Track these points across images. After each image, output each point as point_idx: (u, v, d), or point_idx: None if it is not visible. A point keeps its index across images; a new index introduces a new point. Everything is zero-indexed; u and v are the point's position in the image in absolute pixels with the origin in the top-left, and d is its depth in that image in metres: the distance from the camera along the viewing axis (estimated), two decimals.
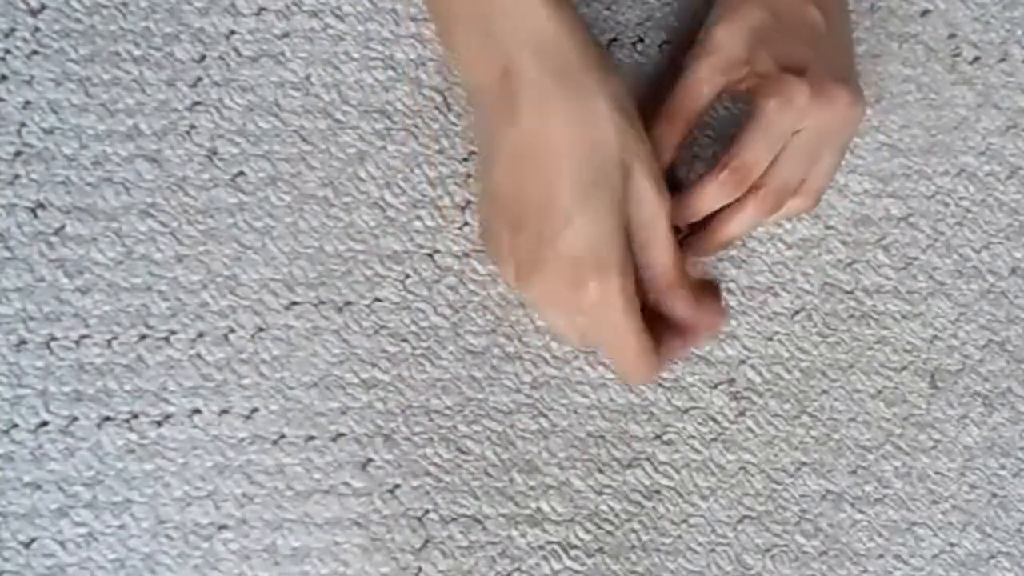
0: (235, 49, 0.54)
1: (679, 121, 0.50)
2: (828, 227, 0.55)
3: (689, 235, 0.51)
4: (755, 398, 0.54)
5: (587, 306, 0.45)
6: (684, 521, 0.53)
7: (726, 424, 0.54)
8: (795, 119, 0.47)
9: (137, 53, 0.53)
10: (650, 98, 0.52)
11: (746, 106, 0.52)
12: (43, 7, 0.53)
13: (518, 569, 0.52)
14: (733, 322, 0.54)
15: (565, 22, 0.45)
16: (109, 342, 0.52)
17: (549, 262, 0.45)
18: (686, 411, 0.54)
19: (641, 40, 0.55)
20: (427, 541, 0.52)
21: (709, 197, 0.49)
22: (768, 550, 0.53)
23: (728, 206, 0.49)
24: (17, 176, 0.52)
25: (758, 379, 0.54)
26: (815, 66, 0.48)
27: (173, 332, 0.52)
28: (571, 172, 0.44)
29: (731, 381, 0.54)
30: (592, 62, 0.45)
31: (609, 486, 0.53)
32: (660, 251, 0.47)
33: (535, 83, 0.44)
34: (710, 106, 0.50)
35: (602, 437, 0.53)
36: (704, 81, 0.49)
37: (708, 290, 0.51)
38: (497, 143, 0.46)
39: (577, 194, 0.44)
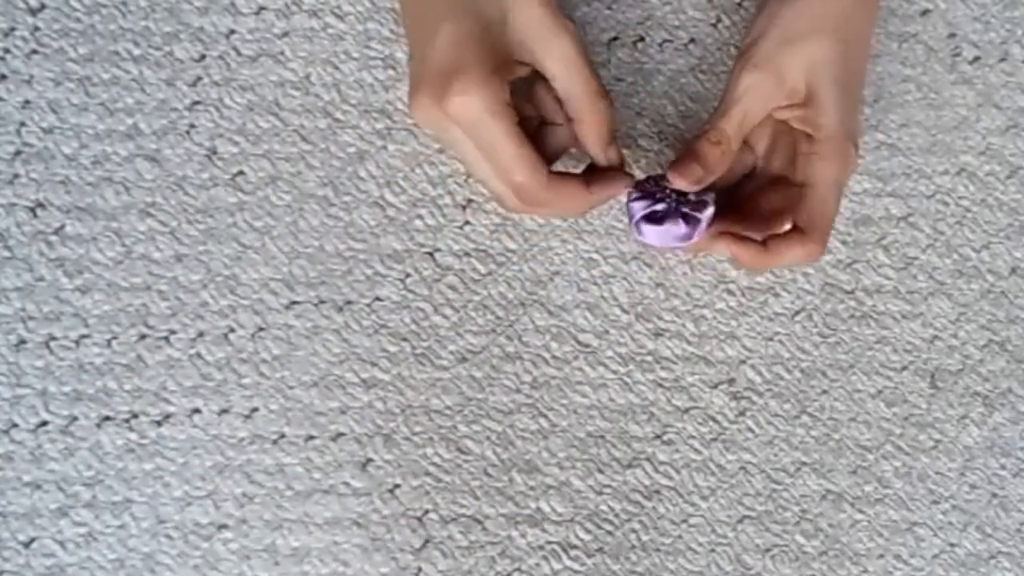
0: (235, 48, 0.54)
1: (727, 146, 0.48)
2: None
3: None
4: (755, 398, 0.54)
5: (455, 117, 0.46)
6: (684, 521, 0.53)
7: (726, 424, 0.54)
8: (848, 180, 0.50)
9: (137, 52, 0.53)
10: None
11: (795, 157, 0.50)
12: (43, 6, 0.53)
13: (518, 569, 0.52)
14: (733, 322, 0.54)
15: None
16: (109, 342, 0.52)
17: (423, 78, 0.46)
18: (686, 411, 0.54)
19: (642, 39, 0.55)
20: (427, 541, 0.52)
21: (788, 260, 0.48)
22: (768, 550, 0.53)
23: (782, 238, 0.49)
24: (17, 175, 0.52)
25: (758, 379, 0.54)
26: (858, 130, 0.49)
27: (173, 332, 0.52)
28: None
29: (731, 381, 0.54)
30: None
31: (609, 486, 0.53)
32: (571, 81, 0.47)
33: None
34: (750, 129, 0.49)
35: (602, 437, 0.53)
36: (753, 112, 0.48)
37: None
38: None
39: (442, 12, 0.46)
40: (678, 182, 0.47)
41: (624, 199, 0.50)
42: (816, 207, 0.48)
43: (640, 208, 0.49)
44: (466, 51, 0.45)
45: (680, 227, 0.48)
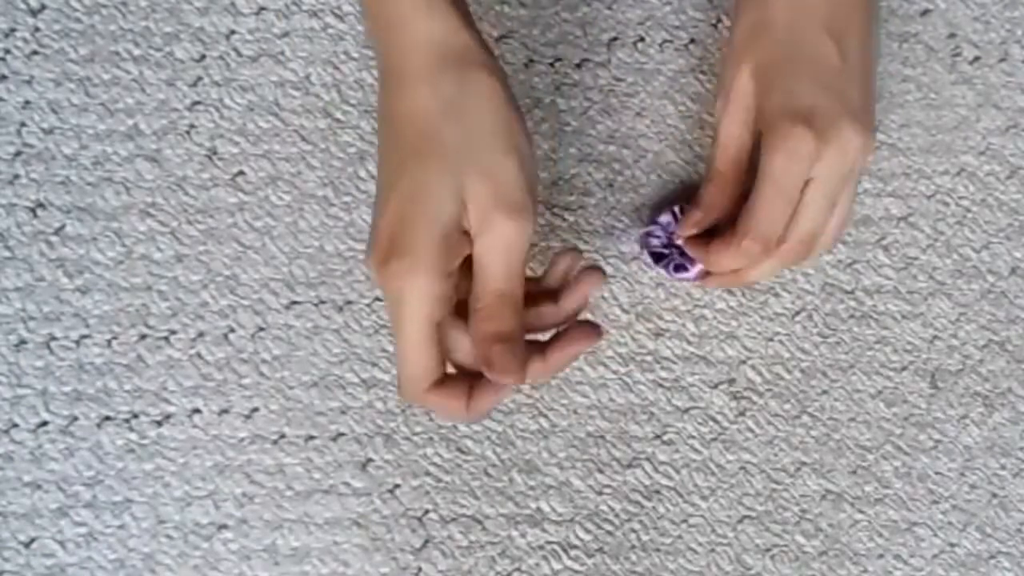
0: (235, 49, 0.54)
1: (723, 181, 0.49)
2: None
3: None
4: (755, 398, 0.54)
5: (387, 288, 0.41)
6: (684, 521, 0.53)
7: (726, 424, 0.54)
8: (803, 170, 0.46)
9: (137, 53, 0.53)
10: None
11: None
12: (43, 7, 0.53)
13: (518, 569, 0.52)
14: (733, 322, 0.54)
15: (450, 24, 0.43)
16: (109, 342, 0.52)
17: (375, 236, 0.42)
18: (686, 411, 0.54)
19: (642, 39, 0.55)
20: (427, 541, 0.52)
21: (729, 262, 0.48)
22: (768, 550, 0.53)
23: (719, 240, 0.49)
24: (17, 176, 0.52)
25: (758, 379, 0.54)
26: (823, 105, 0.46)
27: (173, 332, 0.52)
28: (402, 147, 0.42)
29: (731, 381, 0.54)
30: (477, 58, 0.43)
31: (609, 486, 0.53)
32: (484, 285, 0.42)
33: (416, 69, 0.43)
34: (750, 152, 0.49)
35: (602, 437, 0.53)
36: (734, 137, 0.49)
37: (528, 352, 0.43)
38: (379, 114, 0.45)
39: (396, 172, 0.42)
40: (682, 231, 0.50)
41: (638, 232, 0.54)
42: (751, 202, 0.47)
43: (645, 245, 0.53)
44: (412, 228, 0.41)
45: (674, 273, 0.52)
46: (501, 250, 0.41)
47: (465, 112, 0.42)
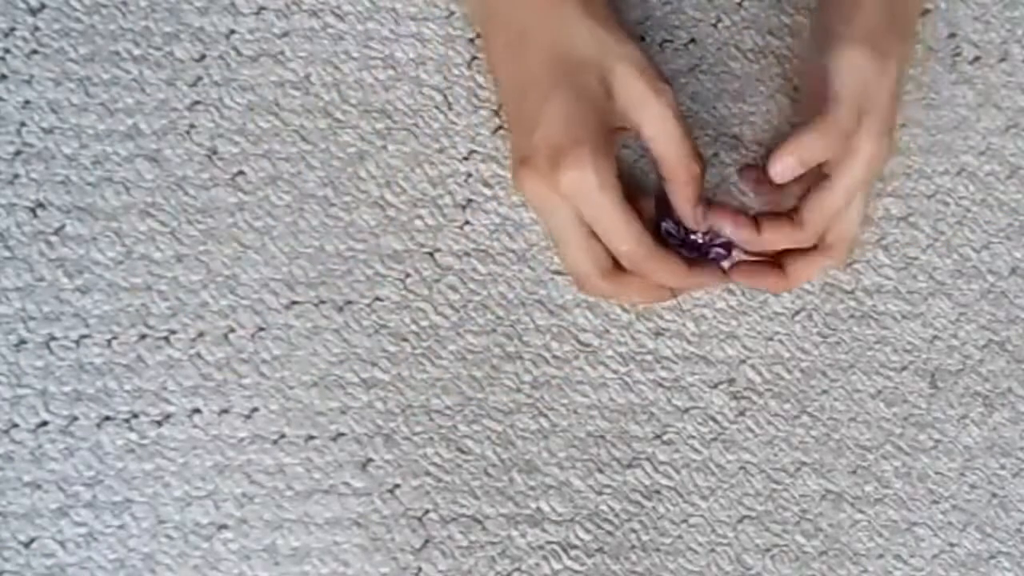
0: (235, 48, 0.54)
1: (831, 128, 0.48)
2: None
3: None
4: (755, 398, 0.54)
5: (565, 190, 0.46)
6: (684, 521, 0.53)
7: (726, 424, 0.54)
8: (872, 175, 0.49)
9: (137, 52, 0.53)
10: None
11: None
12: (43, 6, 0.53)
13: (518, 569, 0.52)
14: (733, 322, 0.54)
15: None
16: (109, 342, 0.52)
17: (534, 152, 0.47)
18: (686, 411, 0.54)
19: (642, 39, 0.55)
20: (427, 541, 0.52)
21: (782, 240, 0.50)
22: (768, 550, 0.53)
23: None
24: (17, 175, 0.52)
25: (758, 379, 0.54)
26: (887, 110, 0.48)
27: (173, 332, 0.52)
28: (544, 66, 0.48)
29: (731, 381, 0.54)
30: None
31: (609, 486, 0.53)
32: (668, 143, 0.48)
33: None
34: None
35: (602, 437, 0.53)
36: (822, 151, 0.48)
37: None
38: (490, 58, 0.52)
39: (547, 87, 0.47)
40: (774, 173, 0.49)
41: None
42: (824, 193, 0.49)
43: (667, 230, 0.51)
44: (578, 125, 0.46)
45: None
46: (668, 116, 0.47)
47: (593, 16, 0.48)
